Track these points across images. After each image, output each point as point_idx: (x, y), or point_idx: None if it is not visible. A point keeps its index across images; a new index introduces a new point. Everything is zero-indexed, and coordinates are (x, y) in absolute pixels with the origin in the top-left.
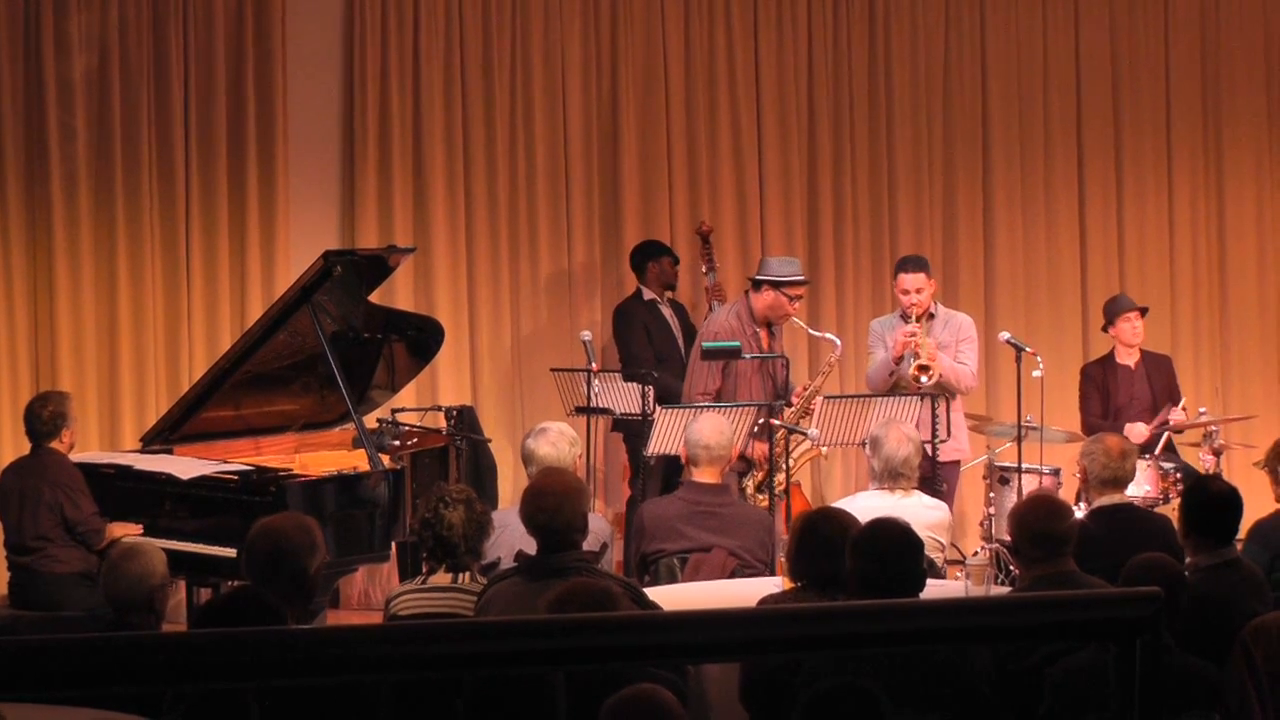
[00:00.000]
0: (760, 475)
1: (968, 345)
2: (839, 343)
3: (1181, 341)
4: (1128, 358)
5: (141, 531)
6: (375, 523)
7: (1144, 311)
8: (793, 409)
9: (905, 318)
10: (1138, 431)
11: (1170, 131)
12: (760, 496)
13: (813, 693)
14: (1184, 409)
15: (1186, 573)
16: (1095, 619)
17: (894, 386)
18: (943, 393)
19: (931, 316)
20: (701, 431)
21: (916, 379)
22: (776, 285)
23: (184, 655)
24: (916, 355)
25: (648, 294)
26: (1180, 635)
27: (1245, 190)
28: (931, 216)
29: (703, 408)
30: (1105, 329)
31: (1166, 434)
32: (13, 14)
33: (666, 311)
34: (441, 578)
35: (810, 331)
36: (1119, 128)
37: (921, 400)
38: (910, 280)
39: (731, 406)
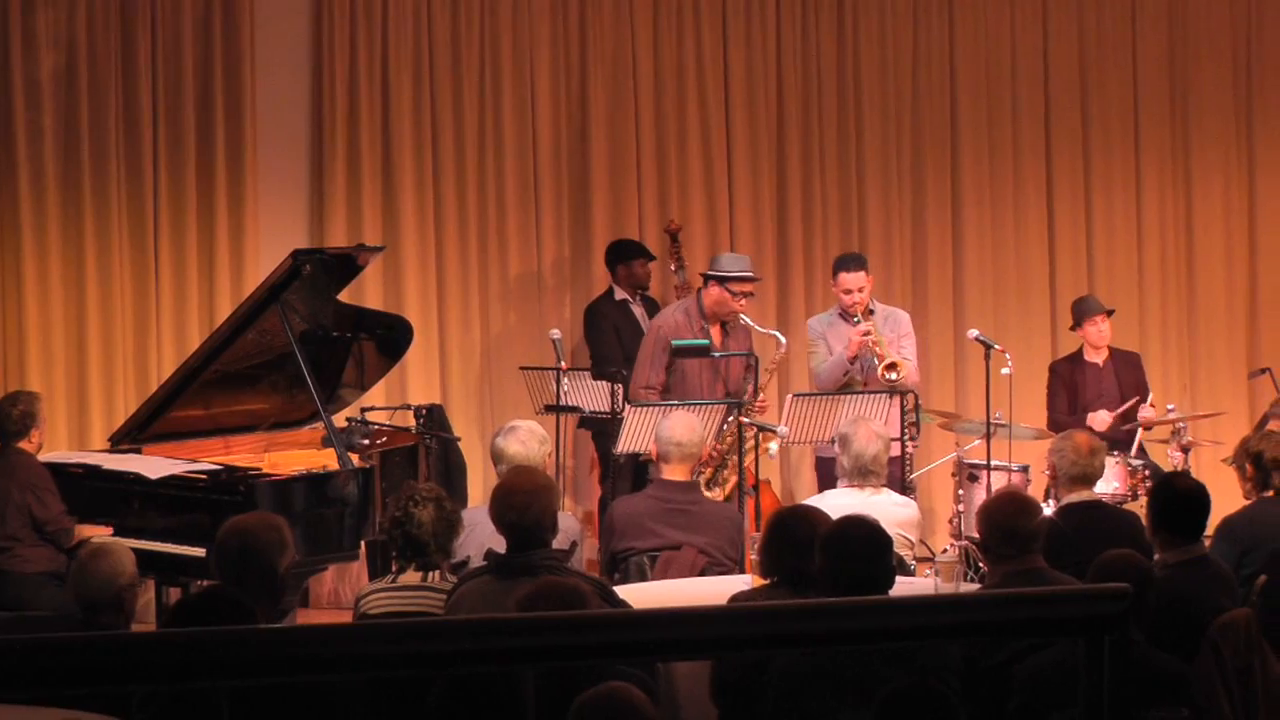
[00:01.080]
0: (709, 471)
1: (908, 341)
2: (784, 340)
3: (1149, 338)
4: (1096, 355)
5: (112, 533)
6: (345, 522)
7: (1110, 313)
8: (757, 409)
9: (845, 316)
10: (1100, 419)
11: (1138, 128)
12: (710, 492)
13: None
14: (1152, 405)
15: (1155, 569)
16: (1064, 616)
17: (844, 385)
18: (907, 390)
19: (871, 313)
20: (674, 429)
21: (884, 377)
22: (722, 281)
23: (153, 655)
24: (876, 354)
25: (619, 294)
26: (1149, 632)
27: (1213, 187)
28: (900, 213)
29: (673, 406)
30: (1073, 328)
31: (1140, 432)
32: None
33: (638, 311)
34: (411, 576)
35: (756, 328)
36: (1087, 124)
37: (891, 397)
38: (852, 279)
39: (701, 405)
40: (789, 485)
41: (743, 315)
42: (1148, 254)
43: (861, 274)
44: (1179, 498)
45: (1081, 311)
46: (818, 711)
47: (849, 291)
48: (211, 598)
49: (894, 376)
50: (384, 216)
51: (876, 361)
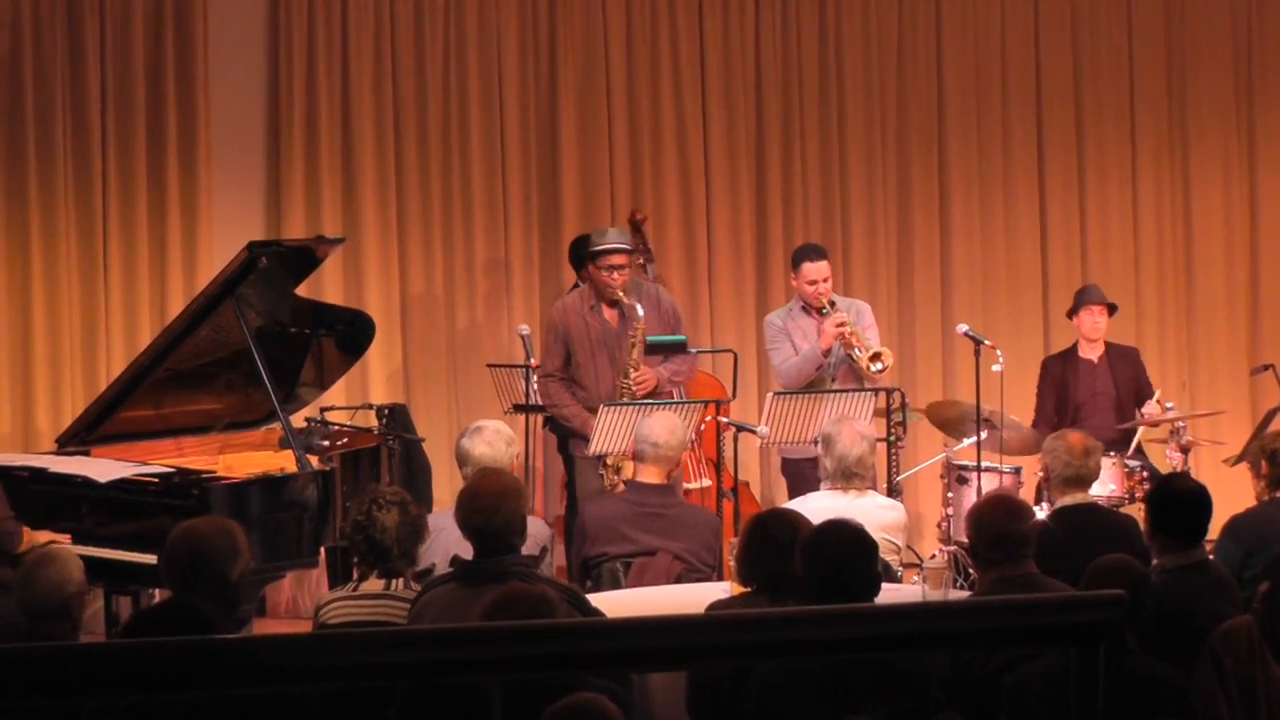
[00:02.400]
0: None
1: (872, 333)
2: (641, 311)
3: (1147, 334)
4: (1091, 351)
5: (70, 541)
6: (304, 527)
7: (1112, 309)
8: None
9: (807, 310)
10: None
11: (1134, 116)
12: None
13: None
14: (1158, 401)
15: (1153, 575)
16: (1056, 623)
17: (811, 383)
18: (892, 388)
19: (833, 304)
20: (653, 428)
21: (868, 369)
22: (592, 259)
23: (104, 666)
24: (851, 345)
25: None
26: (1145, 640)
27: (1211, 177)
28: (885, 206)
29: (653, 405)
30: (1070, 315)
31: (1140, 432)
32: None
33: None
34: (373, 584)
35: (624, 299)
36: (1080, 112)
37: (876, 395)
38: (815, 270)
39: (678, 404)
40: (769, 488)
41: (618, 290)
42: (1144, 246)
43: (824, 263)
44: (1178, 500)
45: (1081, 299)
46: None
47: (813, 283)
48: (171, 608)
49: (880, 367)
50: (344, 207)
51: (857, 354)
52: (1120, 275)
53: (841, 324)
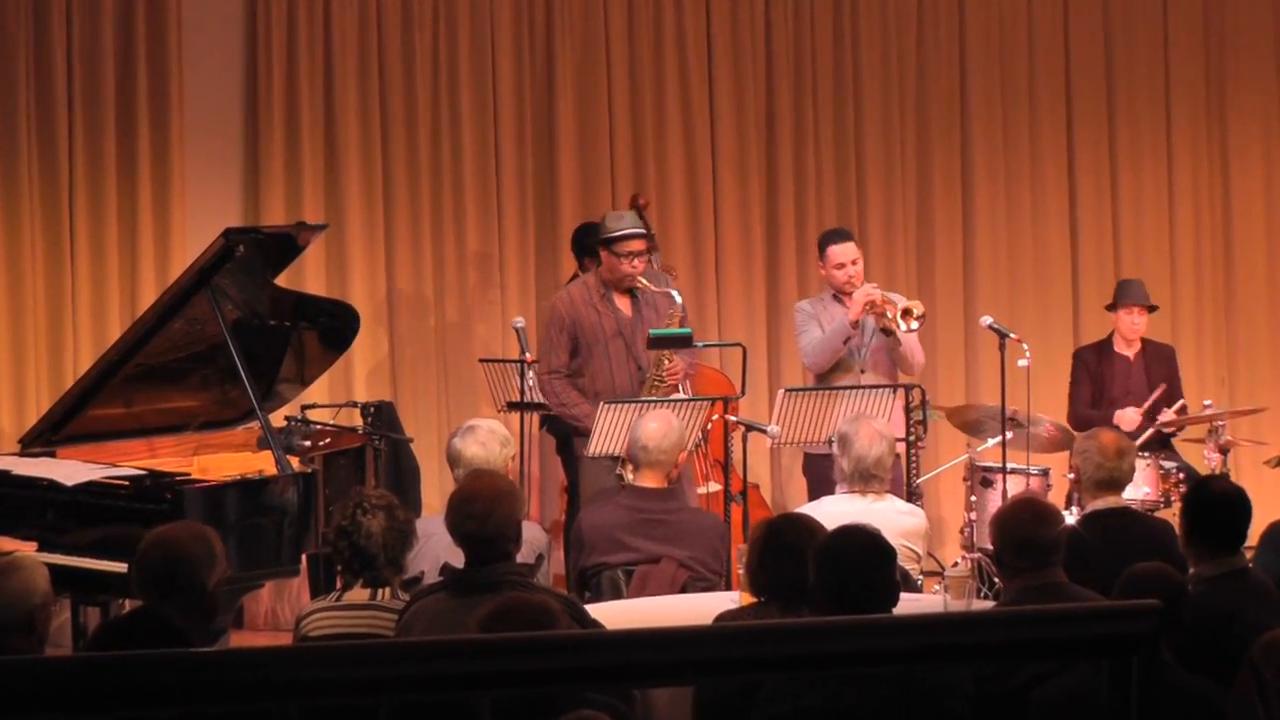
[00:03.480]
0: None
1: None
2: (678, 298)
3: (1183, 327)
4: (1126, 347)
5: (35, 548)
6: (284, 533)
7: (1153, 309)
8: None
9: (838, 298)
10: (1129, 419)
11: (1169, 96)
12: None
13: None
14: (1178, 411)
15: (1189, 584)
16: (1087, 635)
17: (835, 366)
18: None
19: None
20: (645, 430)
21: (901, 327)
22: (606, 245)
23: (69, 682)
24: (882, 315)
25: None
26: (1182, 652)
27: (1252, 160)
28: (904, 191)
29: (651, 403)
30: (1109, 308)
31: (1162, 431)
32: None
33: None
34: (358, 594)
35: (651, 289)
36: (1112, 91)
37: (894, 392)
38: (842, 251)
39: (681, 401)
40: (781, 490)
41: (640, 279)
42: (1180, 234)
43: (851, 244)
44: (1215, 503)
45: (1120, 297)
46: None
47: (841, 266)
48: (140, 619)
49: (915, 325)
50: (326, 191)
51: (890, 317)
52: (1155, 264)
53: (871, 292)
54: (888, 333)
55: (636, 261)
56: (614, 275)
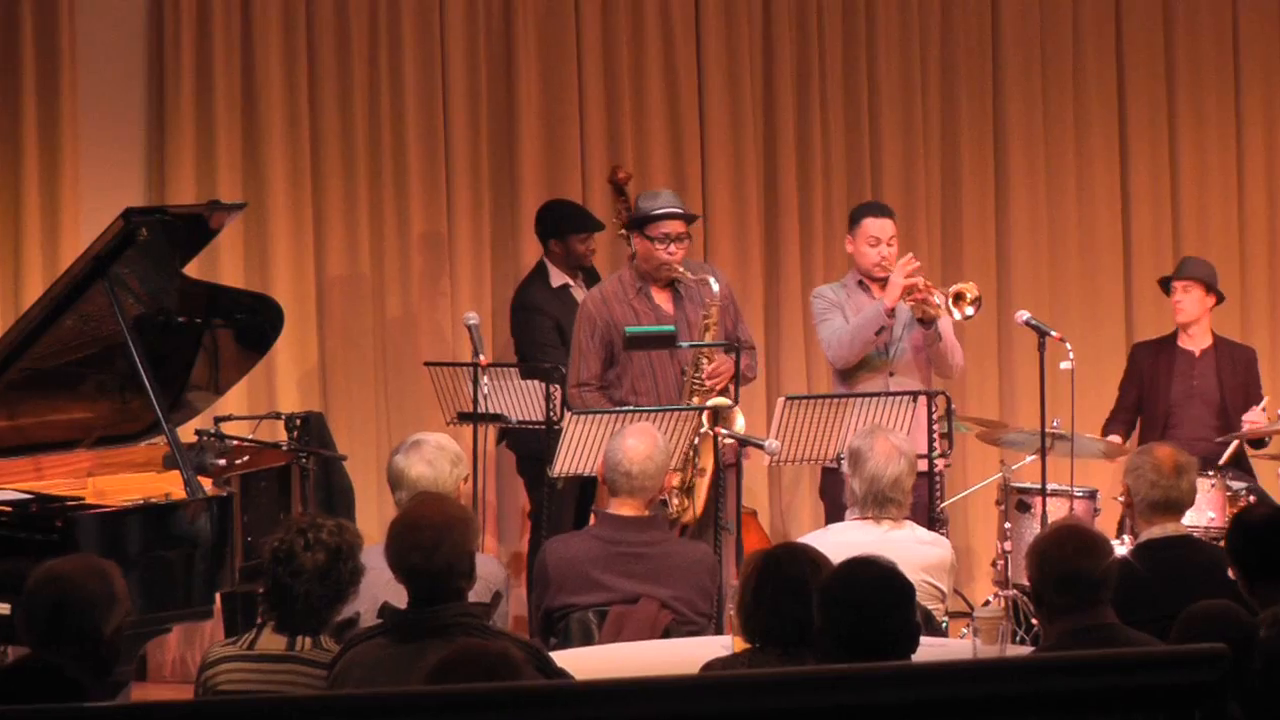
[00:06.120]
0: (676, 479)
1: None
2: (716, 286)
3: (1254, 320)
4: (1192, 343)
5: None
6: (194, 568)
7: (1216, 294)
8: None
9: (866, 286)
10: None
11: (1237, 50)
12: (679, 503)
13: None
14: (1264, 409)
15: (1262, 626)
16: (1141, 686)
17: (860, 364)
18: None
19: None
20: (626, 453)
21: (955, 315)
22: (640, 228)
23: None
24: (927, 301)
25: (555, 276)
26: (1251, 706)
27: None
28: (927, 164)
29: (628, 412)
30: (1164, 286)
31: (1236, 443)
32: None
33: (581, 296)
34: (273, 641)
35: (688, 277)
36: (1170, 45)
37: (914, 401)
38: (880, 227)
39: (665, 411)
40: (782, 517)
41: (678, 268)
42: (1251, 213)
43: (890, 222)
44: (1263, 533)
45: (1176, 271)
46: None
47: (876, 243)
48: (27, 670)
49: (971, 312)
50: (245, 166)
51: (939, 301)
52: (1221, 246)
53: (913, 270)
54: (926, 324)
55: (674, 247)
56: (650, 264)
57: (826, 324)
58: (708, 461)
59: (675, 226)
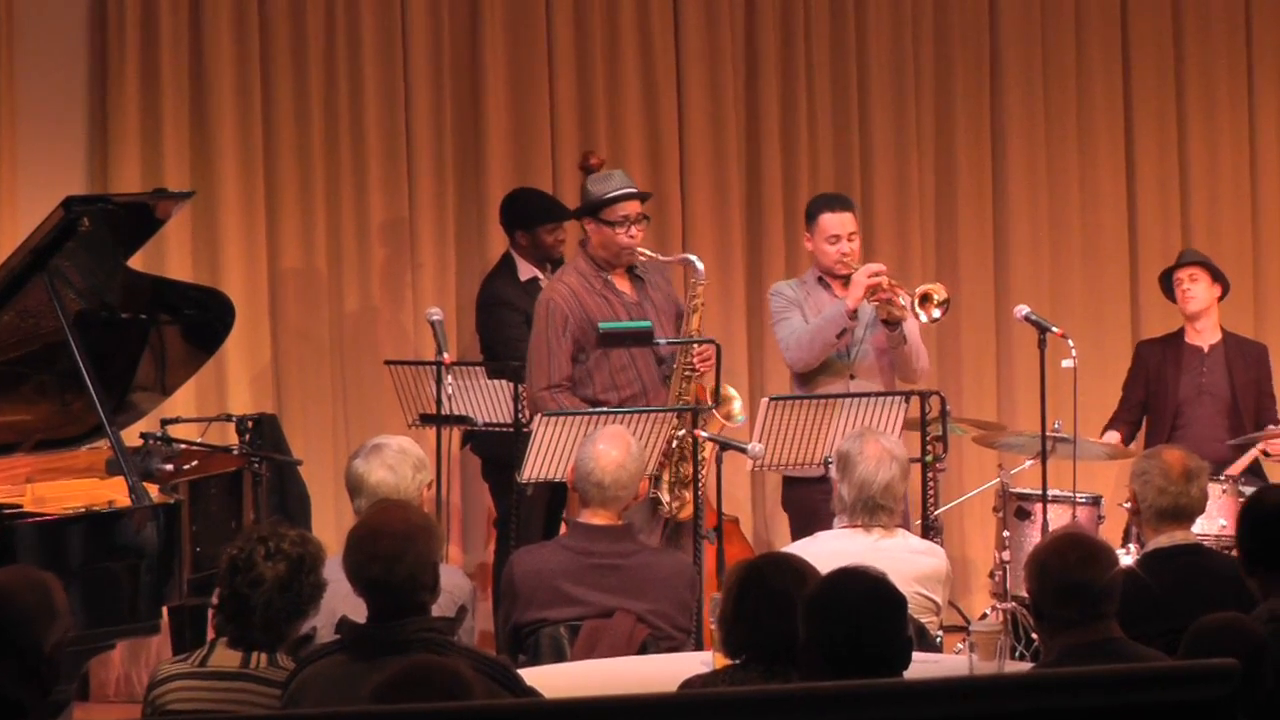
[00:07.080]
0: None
1: None
2: (699, 264)
3: (1268, 316)
4: (1201, 339)
5: None
6: (140, 580)
7: (1222, 283)
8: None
9: (825, 282)
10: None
11: (1250, 30)
12: (670, 499)
13: None
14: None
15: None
16: (1150, 702)
17: (820, 368)
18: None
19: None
20: (597, 460)
21: (921, 317)
22: (594, 213)
23: None
24: (892, 302)
25: (523, 269)
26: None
27: None
28: (920, 149)
29: (601, 413)
30: (1165, 280)
31: (1252, 454)
32: None
33: None
34: (227, 657)
35: (659, 259)
36: (1179, 24)
37: (906, 401)
38: (838, 221)
39: (640, 412)
40: (763, 526)
41: (642, 251)
42: (1264, 205)
43: (850, 216)
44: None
45: (1176, 262)
46: None
47: (835, 240)
48: None
49: (938, 314)
50: (193, 153)
51: (905, 302)
52: (1232, 242)
53: (877, 273)
54: (891, 326)
55: (635, 230)
56: (610, 250)
57: (785, 323)
58: (688, 468)
59: (633, 207)
